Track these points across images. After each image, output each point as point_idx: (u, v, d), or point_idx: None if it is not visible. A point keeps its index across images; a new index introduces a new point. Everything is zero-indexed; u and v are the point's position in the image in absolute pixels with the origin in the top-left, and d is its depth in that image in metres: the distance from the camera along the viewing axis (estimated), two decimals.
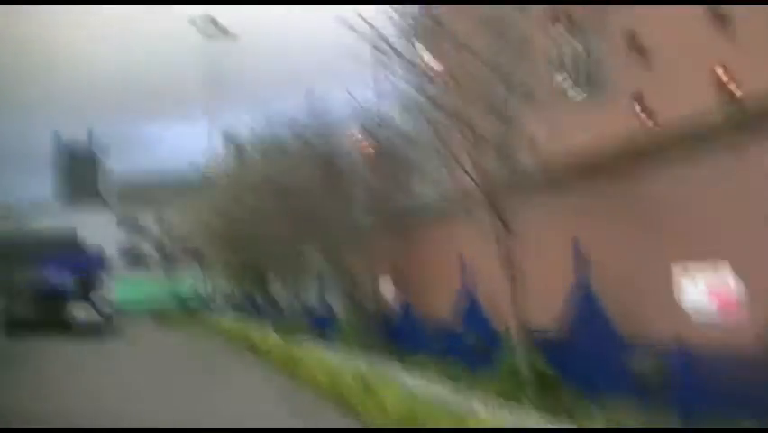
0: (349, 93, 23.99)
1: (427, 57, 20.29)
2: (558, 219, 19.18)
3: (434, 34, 19.97)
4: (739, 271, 13.71)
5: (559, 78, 60.56)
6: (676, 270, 15.16)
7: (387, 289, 30.96)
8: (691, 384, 13.69)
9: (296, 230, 33.38)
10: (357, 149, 35.22)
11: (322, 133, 33.58)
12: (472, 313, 22.24)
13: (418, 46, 20.42)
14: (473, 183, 18.33)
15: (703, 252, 14.49)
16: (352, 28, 19.63)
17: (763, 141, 13.08)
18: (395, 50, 19.64)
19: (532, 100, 18.19)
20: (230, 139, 77.09)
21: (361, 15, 19.72)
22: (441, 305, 25.00)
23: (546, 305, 18.17)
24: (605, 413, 14.77)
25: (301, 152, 35.35)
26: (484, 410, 16.11)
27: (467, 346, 21.94)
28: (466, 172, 18.50)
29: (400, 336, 28.26)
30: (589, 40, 55.70)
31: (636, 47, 51.33)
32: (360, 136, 35.16)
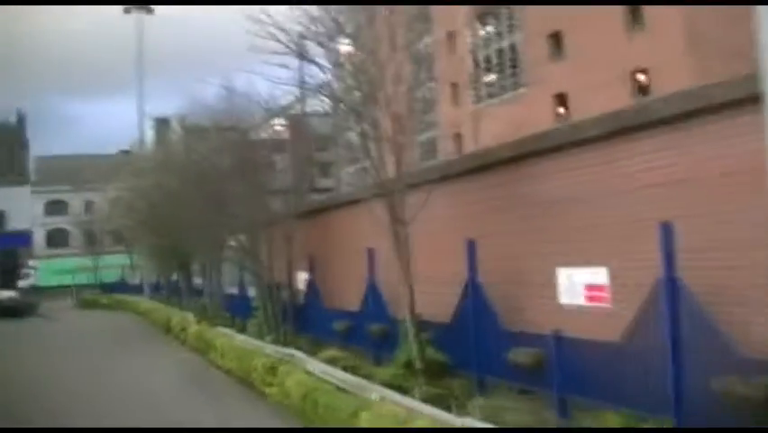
0: (269, 80, 24.28)
1: (337, 54, 21.15)
2: (450, 213, 20.08)
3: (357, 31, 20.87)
4: (611, 271, 14.72)
5: (486, 75, 61.64)
6: (558, 268, 16.13)
7: (301, 277, 31.65)
8: (566, 372, 14.77)
9: (214, 216, 33.85)
10: (276, 138, 35.92)
11: (239, 120, 34.01)
12: (376, 302, 23.11)
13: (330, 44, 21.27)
14: (374, 176, 19.23)
15: (582, 251, 15.47)
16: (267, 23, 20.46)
17: (631, 146, 14.05)
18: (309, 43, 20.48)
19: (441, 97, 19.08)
20: (156, 121, 77.18)
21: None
22: (350, 294, 25.81)
23: (442, 296, 19.18)
24: (487, 397, 15.86)
25: (219, 139, 35.83)
26: (375, 395, 17.07)
27: (369, 334, 22.88)
28: (368, 166, 19.38)
29: (309, 323, 29.14)
30: (515, 39, 56.71)
31: (559, 47, 52.49)
32: (279, 126, 35.85)
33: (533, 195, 16.99)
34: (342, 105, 21.11)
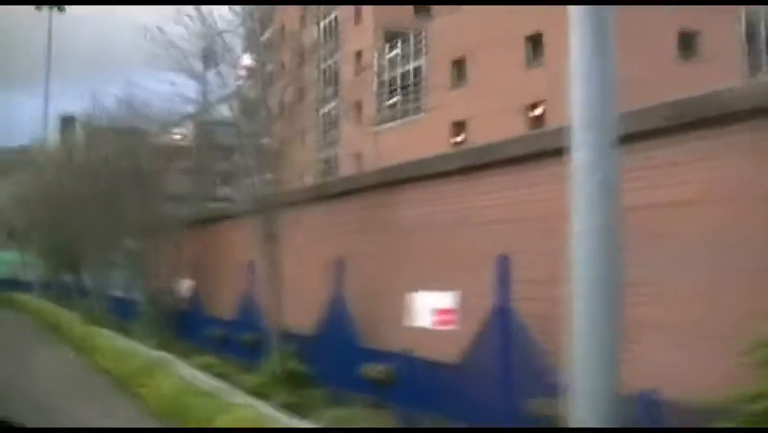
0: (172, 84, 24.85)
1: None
2: (323, 233, 21.10)
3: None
4: (457, 296, 15.86)
5: (390, 97, 62.54)
6: (412, 291, 17.22)
7: (187, 285, 32.36)
8: (412, 388, 15.91)
9: (107, 219, 34.35)
10: (176, 144, 36.57)
11: (139, 124, 34.58)
12: (251, 313, 23.98)
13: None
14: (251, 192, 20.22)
15: (433, 276, 16.58)
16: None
17: (479, 182, 15.21)
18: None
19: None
20: (62, 120, 76.86)
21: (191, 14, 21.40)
22: (230, 303, 26.66)
23: (311, 310, 20.19)
24: (342, 408, 16.96)
25: (118, 142, 36.34)
26: (239, 401, 18.14)
27: (243, 343, 23.79)
28: (246, 182, 20.34)
29: (190, 329, 29.93)
30: (421, 63, 57.71)
31: (461, 75, 53.75)
32: (178, 133, 36.50)
33: (394, 221, 18.05)
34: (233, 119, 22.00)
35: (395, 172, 18.62)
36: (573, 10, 9.32)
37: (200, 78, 23.27)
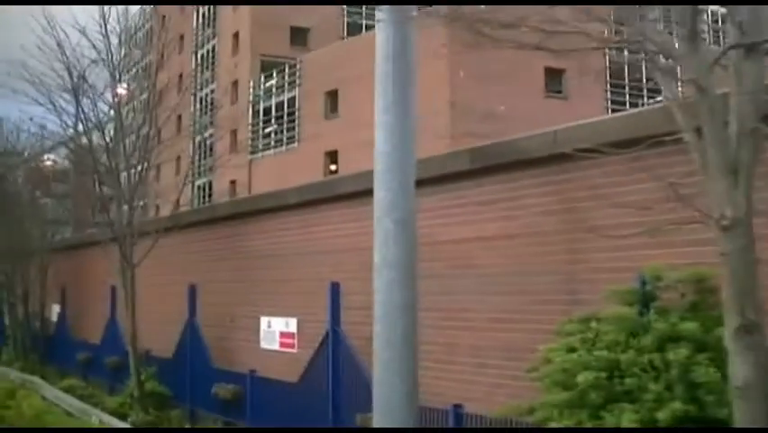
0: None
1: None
2: (181, 261, 22.13)
3: None
4: (299, 321, 17.07)
5: (265, 126, 63.21)
6: (261, 316, 18.36)
7: (55, 309, 32.90)
8: (257, 406, 17.07)
9: None
10: (48, 169, 36.99)
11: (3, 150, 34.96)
12: (114, 336, 24.81)
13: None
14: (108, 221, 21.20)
15: (279, 302, 17.75)
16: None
17: (320, 215, 16.48)
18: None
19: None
20: None
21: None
22: (96, 327, 27.41)
23: (169, 333, 21.19)
24: (196, 423, 18.14)
25: None
26: (95, 419, 19.24)
27: (106, 365, 24.61)
28: (101, 211, 21.32)
29: (57, 352, 30.57)
30: (296, 94, 58.51)
31: (334, 105, 55.13)
32: (50, 159, 36.94)
33: (244, 250, 19.21)
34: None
35: (244, 204, 19.84)
36: (378, 68, 10.69)
37: (64, 110, 23.98)
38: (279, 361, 17.46)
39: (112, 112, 23.44)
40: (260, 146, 64.87)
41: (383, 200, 10.45)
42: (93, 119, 22.73)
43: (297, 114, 60.81)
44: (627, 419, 8.70)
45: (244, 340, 18.88)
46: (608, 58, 50.69)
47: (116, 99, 22.44)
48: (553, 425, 9.29)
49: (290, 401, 16.06)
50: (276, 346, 17.75)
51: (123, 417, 20.08)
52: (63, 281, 31.92)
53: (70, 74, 22.39)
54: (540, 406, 9.66)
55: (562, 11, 7.63)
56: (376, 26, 10.60)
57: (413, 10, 10.56)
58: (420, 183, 12.45)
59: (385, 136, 10.48)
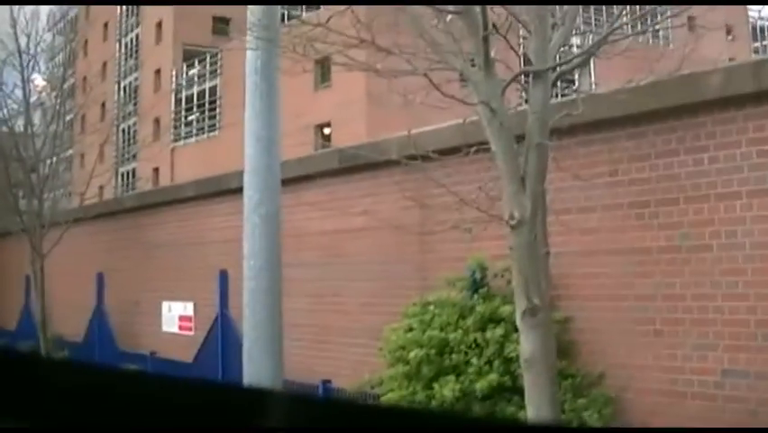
0: None
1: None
2: (90, 250, 23.24)
3: None
4: (195, 305, 18.32)
5: (187, 114, 63.74)
6: (162, 301, 19.56)
7: None
8: None
9: None
10: None
11: None
12: (29, 323, 25.80)
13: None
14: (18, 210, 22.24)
15: (177, 288, 18.98)
16: None
17: (210, 208, 17.72)
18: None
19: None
20: None
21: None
22: (13, 315, 28.37)
23: (79, 318, 22.32)
24: None
25: None
26: None
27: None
28: (12, 204, 22.33)
29: None
30: (217, 83, 58.81)
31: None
32: None
33: (147, 239, 20.41)
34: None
35: (148, 197, 21.06)
36: (248, 79, 11.98)
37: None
38: (180, 343, 18.67)
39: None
40: (183, 134, 65.67)
41: (251, 198, 11.77)
42: (3, 115, 23.57)
43: (218, 102, 61.68)
44: (450, 388, 10.11)
45: (148, 324, 20.07)
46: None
47: (28, 95, 23.33)
48: (391, 394, 10.69)
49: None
50: (176, 329, 18.96)
51: None
52: None
53: None
54: (386, 379, 11.06)
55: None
56: (246, 44, 11.83)
57: (277, 32, 11.84)
58: (296, 180, 13.82)
59: (252, 141, 11.78)
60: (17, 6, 23.11)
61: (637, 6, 11.25)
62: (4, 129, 23.97)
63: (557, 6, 8.86)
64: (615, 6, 10.55)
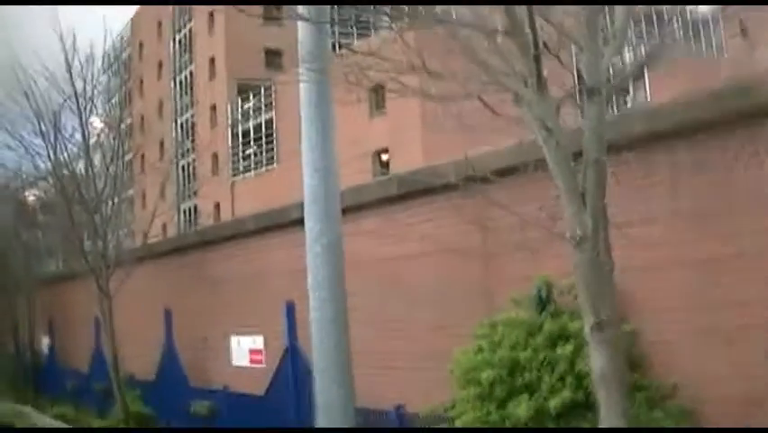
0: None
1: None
2: (156, 288, 23.51)
3: None
4: (265, 338, 18.44)
5: (245, 148, 63.98)
6: (231, 336, 19.71)
7: (45, 341, 34.24)
8: (231, 418, 18.50)
9: None
10: (26, 203, 38.12)
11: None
12: (100, 363, 26.15)
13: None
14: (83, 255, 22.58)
15: (246, 322, 19.12)
16: None
17: (273, 241, 17.87)
18: None
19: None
20: None
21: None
22: (83, 356, 28.77)
23: (150, 357, 22.58)
24: None
25: None
26: None
27: (94, 391, 25.99)
28: (77, 246, 22.67)
29: (49, 382, 31.96)
30: (272, 115, 59.02)
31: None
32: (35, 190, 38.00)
33: (212, 275, 20.60)
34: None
35: (210, 232, 21.25)
36: (303, 112, 12.08)
37: (38, 153, 25.31)
38: (250, 376, 18.79)
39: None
40: (241, 168, 66.17)
41: (312, 229, 11.85)
42: (65, 159, 24.02)
43: (274, 135, 62.10)
44: (524, 407, 10.09)
45: (216, 359, 20.24)
46: None
47: (87, 138, 23.73)
48: (465, 417, 10.69)
49: (259, 412, 17.46)
50: (246, 363, 19.09)
51: None
52: (50, 313, 33.24)
53: (39, 120, 23.71)
54: (458, 401, 11.08)
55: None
56: (299, 76, 11.94)
57: (328, 62, 11.96)
58: (355, 208, 13.89)
59: (311, 172, 11.87)
60: (72, 50, 23.44)
61: (689, 18, 11.19)
62: (66, 172, 24.38)
63: (608, 21, 8.83)
64: (666, 17, 10.51)
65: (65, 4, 26.65)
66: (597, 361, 8.11)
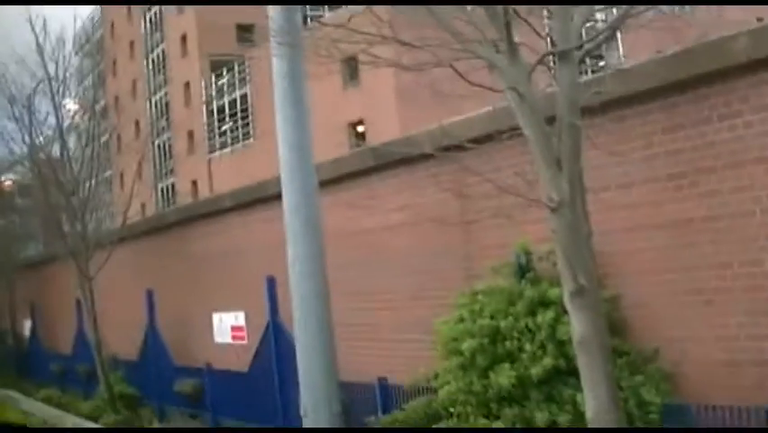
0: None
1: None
2: (136, 268, 23.43)
3: None
4: (246, 314, 18.40)
5: (220, 125, 63.73)
6: (213, 313, 19.66)
7: (27, 325, 34.14)
8: (215, 397, 18.49)
9: None
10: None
11: None
12: (84, 346, 26.08)
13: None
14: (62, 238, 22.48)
15: (227, 298, 19.06)
16: None
17: (253, 216, 17.80)
18: None
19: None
20: None
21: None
22: (66, 339, 28.69)
23: (132, 337, 22.53)
24: (164, 422, 19.52)
25: None
26: (71, 423, 20.74)
27: (79, 373, 25.94)
28: (56, 228, 22.59)
29: (33, 366, 31.89)
30: (247, 91, 58.71)
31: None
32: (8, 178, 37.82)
33: (192, 253, 20.54)
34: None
35: (188, 210, 21.14)
36: (276, 86, 12.02)
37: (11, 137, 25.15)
38: (234, 352, 18.76)
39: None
40: (218, 145, 65.90)
41: (289, 203, 11.84)
42: (40, 142, 23.86)
43: (250, 110, 61.81)
44: (506, 376, 10.09)
45: (199, 336, 20.20)
46: None
47: (61, 120, 23.59)
48: (447, 387, 10.69)
49: (243, 388, 17.44)
50: (229, 340, 19.06)
51: (96, 419, 21.50)
52: (32, 297, 33.10)
53: (12, 105, 23.52)
54: (441, 372, 11.06)
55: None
56: (272, 51, 11.89)
57: (299, 36, 11.88)
58: (333, 181, 13.84)
59: (286, 147, 11.84)
60: (42, 33, 23.24)
61: None
62: (42, 156, 24.24)
63: None
64: None
65: (40, 4, 26.27)
66: (577, 326, 8.13)
